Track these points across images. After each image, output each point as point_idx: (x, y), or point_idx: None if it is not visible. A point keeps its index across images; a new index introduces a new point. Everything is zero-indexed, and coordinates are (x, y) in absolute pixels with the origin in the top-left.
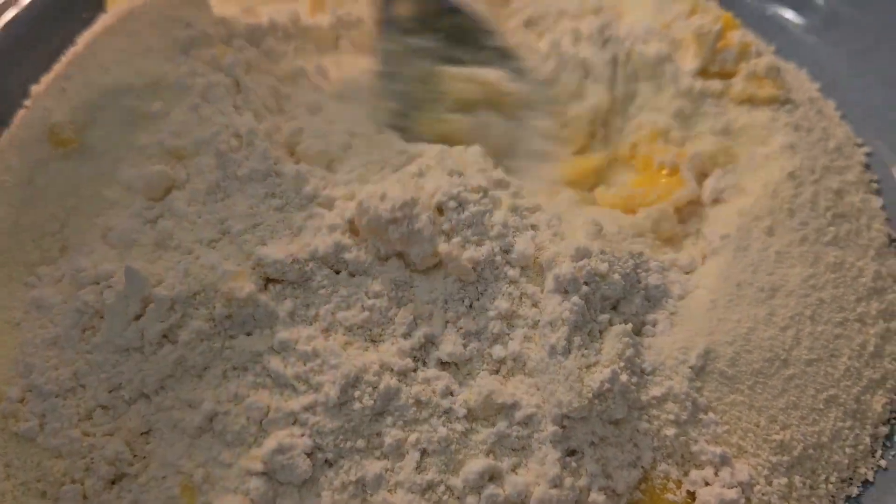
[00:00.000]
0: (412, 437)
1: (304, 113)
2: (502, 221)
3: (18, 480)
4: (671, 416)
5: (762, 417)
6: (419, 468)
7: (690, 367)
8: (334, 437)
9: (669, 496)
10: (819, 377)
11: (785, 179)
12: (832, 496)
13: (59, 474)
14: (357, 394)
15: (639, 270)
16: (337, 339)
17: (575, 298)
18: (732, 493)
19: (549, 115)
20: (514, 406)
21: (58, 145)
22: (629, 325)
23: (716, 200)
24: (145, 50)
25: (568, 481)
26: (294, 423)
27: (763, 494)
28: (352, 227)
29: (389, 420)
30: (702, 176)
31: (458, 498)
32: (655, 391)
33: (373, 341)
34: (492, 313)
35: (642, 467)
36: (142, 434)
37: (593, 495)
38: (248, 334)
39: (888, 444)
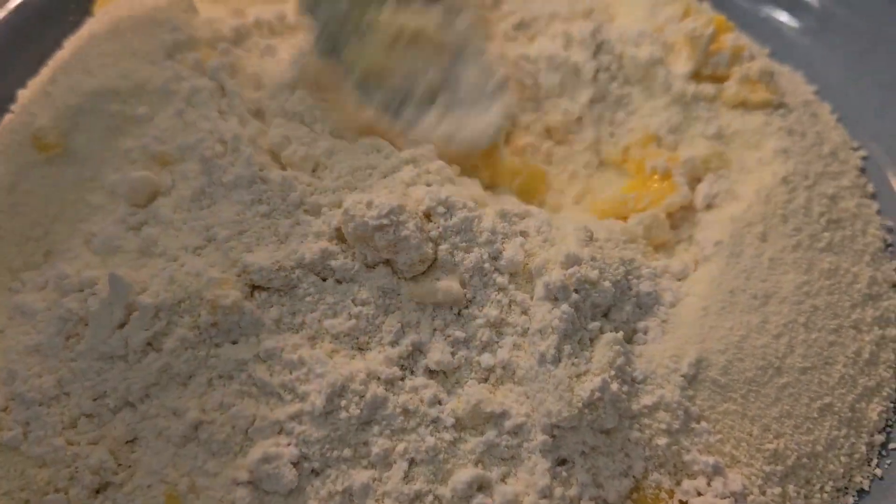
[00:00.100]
0: (400, 447)
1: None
2: (491, 228)
3: (1, 490)
4: (663, 426)
5: (755, 426)
6: (407, 478)
7: (682, 376)
8: (321, 447)
9: None
10: (813, 385)
11: (778, 185)
12: None
13: (42, 483)
14: (344, 402)
15: (630, 277)
16: (323, 347)
17: (565, 306)
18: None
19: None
20: (504, 415)
21: (42, 150)
22: (620, 333)
23: (708, 206)
24: (131, 54)
25: (558, 491)
26: (280, 432)
27: None
28: (339, 235)
29: (376, 429)
30: (694, 181)
31: None
32: (647, 400)
33: (360, 349)
34: (480, 321)
35: (634, 477)
36: (126, 443)
37: None
38: (234, 342)
39: (884, 452)
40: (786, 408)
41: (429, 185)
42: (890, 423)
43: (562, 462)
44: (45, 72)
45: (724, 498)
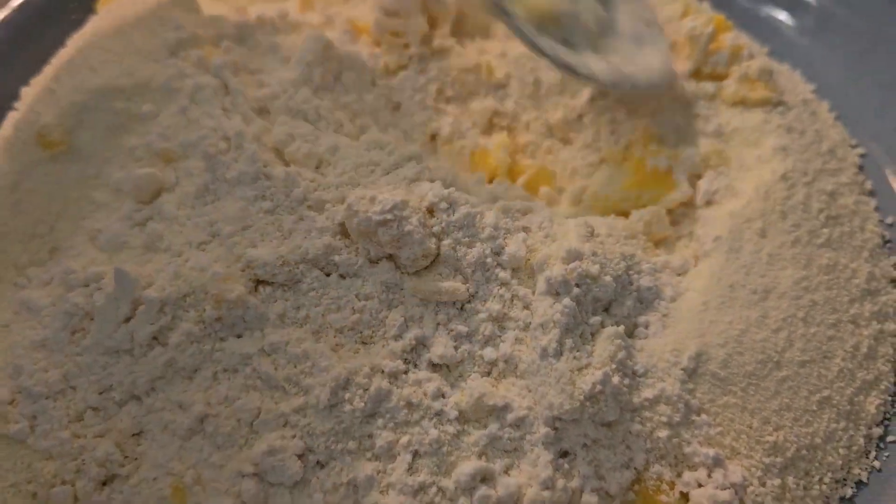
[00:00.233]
0: (404, 439)
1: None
2: (493, 223)
3: (8, 482)
4: (664, 418)
5: (755, 419)
6: (411, 470)
7: (683, 369)
8: (325, 439)
9: (662, 498)
10: (812, 379)
11: (777, 181)
12: (826, 497)
13: (49, 476)
14: (348, 396)
15: (630, 272)
16: (327, 341)
17: (566, 300)
18: (726, 495)
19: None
20: (506, 408)
21: (46, 148)
22: (621, 328)
23: (708, 202)
24: (134, 52)
25: (560, 483)
26: (285, 424)
27: (756, 496)
28: (342, 230)
29: (380, 422)
30: (694, 178)
31: (451, 499)
32: (648, 393)
33: (363, 343)
34: (483, 315)
35: (635, 469)
36: (132, 436)
37: (586, 497)
38: (239, 336)
39: (882, 445)
40: (785, 401)
41: (431, 181)
42: (888, 416)
43: (564, 454)
44: (49, 70)
45: (725, 489)
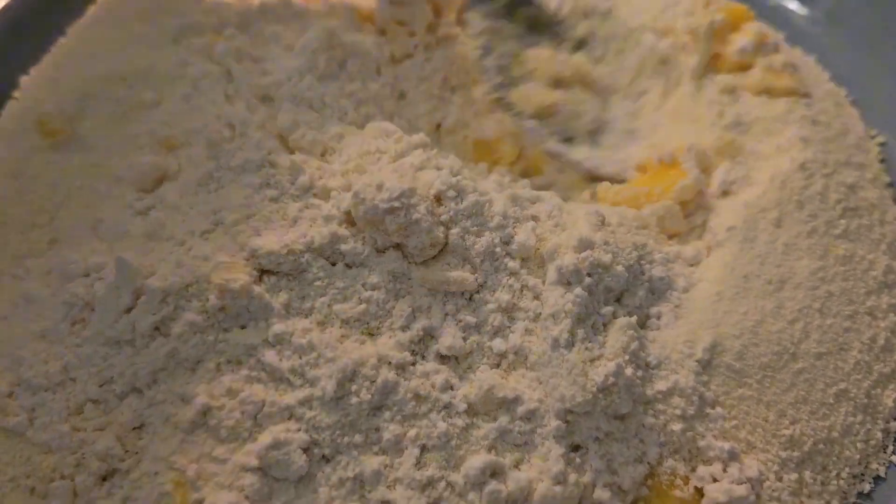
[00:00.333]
0: (411, 433)
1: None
2: (502, 212)
3: (7, 476)
4: (678, 411)
5: (771, 412)
6: (419, 464)
7: (697, 361)
8: (331, 432)
9: (677, 492)
10: (829, 371)
11: (795, 171)
12: (843, 492)
13: (48, 470)
14: (354, 388)
15: (642, 262)
16: (333, 331)
17: (578, 290)
18: (742, 489)
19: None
20: (516, 400)
21: (48, 136)
22: (634, 318)
23: (724, 192)
24: (136, 39)
25: (572, 477)
26: (290, 417)
27: (773, 490)
28: (348, 218)
29: (388, 415)
30: (706, 168)
31: (460, 494)
32: (661, 385)
33: (370, 334)
34: (492, 306)
35: (648, 463)
36: (133, 429)
37: (598, 491)
38: (243, 327)
39: None
40: (801, 393)
41: (439, 168)
42: None
43: (575, 448)
44: (49, 58)
45: (741, 484)
